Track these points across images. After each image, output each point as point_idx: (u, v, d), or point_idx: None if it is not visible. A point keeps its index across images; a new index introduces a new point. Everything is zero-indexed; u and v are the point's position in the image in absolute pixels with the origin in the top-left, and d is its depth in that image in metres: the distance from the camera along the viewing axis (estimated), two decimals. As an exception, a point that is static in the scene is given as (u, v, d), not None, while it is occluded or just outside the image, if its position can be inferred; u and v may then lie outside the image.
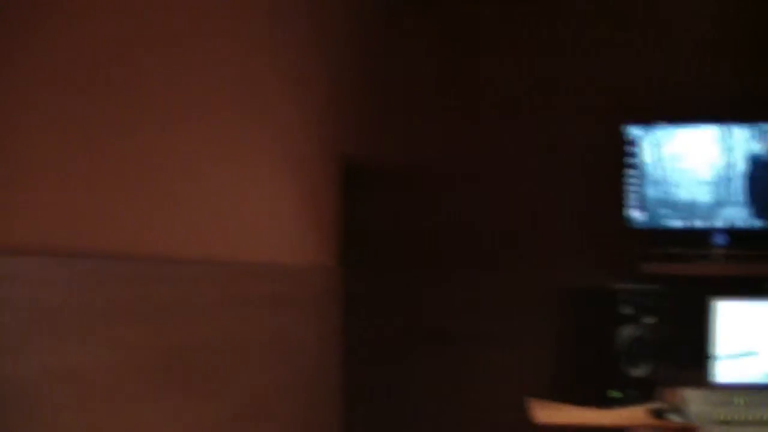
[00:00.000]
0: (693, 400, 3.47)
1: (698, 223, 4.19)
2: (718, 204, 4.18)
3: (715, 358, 3.53)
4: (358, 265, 4.14)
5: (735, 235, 4.18)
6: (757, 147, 4.21)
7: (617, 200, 4.21)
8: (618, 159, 4.21)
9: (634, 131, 4.19)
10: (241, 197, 2.88)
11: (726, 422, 3.39)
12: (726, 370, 3.55)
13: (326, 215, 3.87)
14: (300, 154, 3.54)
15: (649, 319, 3.63)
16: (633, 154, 4.21)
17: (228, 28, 2.76)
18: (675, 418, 3.38)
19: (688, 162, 4.17)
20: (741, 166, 4.21)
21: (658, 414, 3.42)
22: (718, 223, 4.18)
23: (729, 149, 4.21)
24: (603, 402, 3.55)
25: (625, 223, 4.18)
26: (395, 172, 4.32)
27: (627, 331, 3.57)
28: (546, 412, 3.51)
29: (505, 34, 4.37)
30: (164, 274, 2.31)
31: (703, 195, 4.16)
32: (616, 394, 3.55)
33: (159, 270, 2.28)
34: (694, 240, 4.19)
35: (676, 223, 4.17)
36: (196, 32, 2.52)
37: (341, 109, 4.00)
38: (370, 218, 4.27)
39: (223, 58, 2.71)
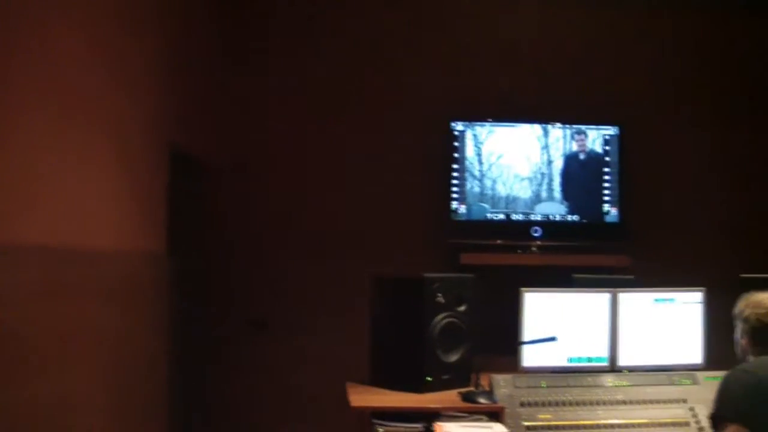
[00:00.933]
0: (501, 383, 3.63)
1: (517, 217, 4.40)
2: (536, 199, 4.41)
3: (522, 344, 3.72)
4: (188, 254, 4.13)
5: (551, 228, 4.41)
6: (572, 146, 4.46)
7: (442, 194, 4.38)
8: (443, 155, 4.38)
9: (458, 127, 4.35)
10: (58, 182, 2.83)
11: (529, 404, 3.59)
12: (532, 355, 3.75)
13: (156, 204, 3.85)
14: (129, 143, 3.51)
15: (462, 308, 3.77)
16: (456, 150, 4.38)
17: (57, 17, 2.72)
18: (483, 401, 3.54)
19: (507, 158, 4.38)
20: (558, 164, 4.45)
21: (467, 397, 3.57)
22: (536, 217, 4.40)
23: (546, 148, 4.44)
24: (418, 386, 3.67)
25: (448, 216, 4.35)
26: (229, 164, 4.34)
27: (441, 319, 3.71)
28: (362, 396, 3.60)
29: (340, 38, 4.45)
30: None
31: (521, 190, 4.37)
32: (430, 378, 3.68)
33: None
34: (513, 232, 4.40)
35: (496, 216, 4.37)
36: (24, 19, 2.48)
37: (176, 101, 3.99)
38: (203, 209, 4.27)
39: (50, 47, 2.67)
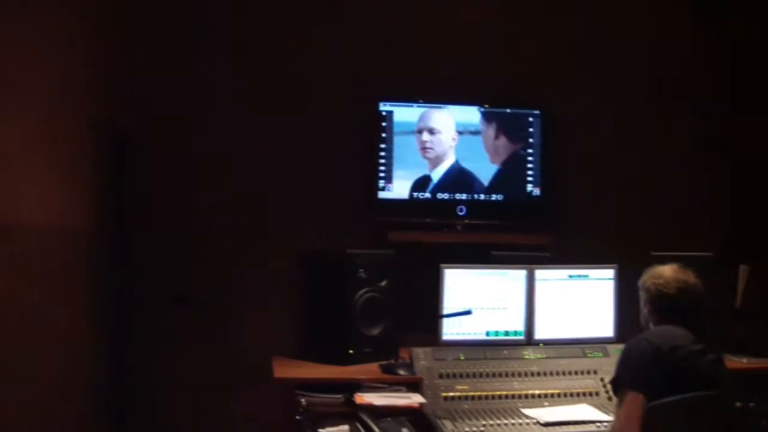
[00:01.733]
0: (420, 356, 3.77)
1: (442, 196, 4.51)
2: (462, 176, 4.52)
3: (440, 317, 3.85)
4: (114, 230, 4.16)
5: (475, 207, 4.53)
6: (496, 128, 4.58)
7: (370, 174, 4.46)
8: (371, 135, 4.46)
9: (385, 108, 4.45)
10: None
11: (448, 376, 3.72)
12: (451, 329, 3.89)
13: (80, 180, 3.88)
14: (52, 119, 3.53)
15: (383, 283, 3.89)
16: (384, 130, 4.47)
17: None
18: (402, 373, 3.67)
19: (432, 138, 4.48)
20: (480, 144, 4.57)
21: (388, 369, 3.70)
22: (461, 197, 4.52)
23: (470, 129, 4.56)
24: (341, 359, 3.79)
25: (376, 195, 4.44)
26: (155, 140, 4.36)
27: (362, 294, 3.82)
28: (286, 369, 3.70)
29: (265, 15, 4.49)
30: None
31: (447, 168, 4.49)
32: (352, 352, 3.79)
33: None
34: (439, 211, 4.51)
35: (422, 195, 4.48)
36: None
37: (97, 75, 4.01)
38: (129, 184, 4.28)
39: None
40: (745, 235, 4.77)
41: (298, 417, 3.36)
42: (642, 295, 3.34)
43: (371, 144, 4.44)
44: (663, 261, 3.45)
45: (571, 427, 3.44)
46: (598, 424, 3.45)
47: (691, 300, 3.21)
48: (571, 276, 4.06)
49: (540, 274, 4.01)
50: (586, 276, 4.08)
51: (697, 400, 2.82)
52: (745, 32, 4.90)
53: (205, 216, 4.39)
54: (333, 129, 4.48)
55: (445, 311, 3.86)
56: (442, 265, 3.90)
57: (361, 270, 3.82)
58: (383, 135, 4.45)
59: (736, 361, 4.10)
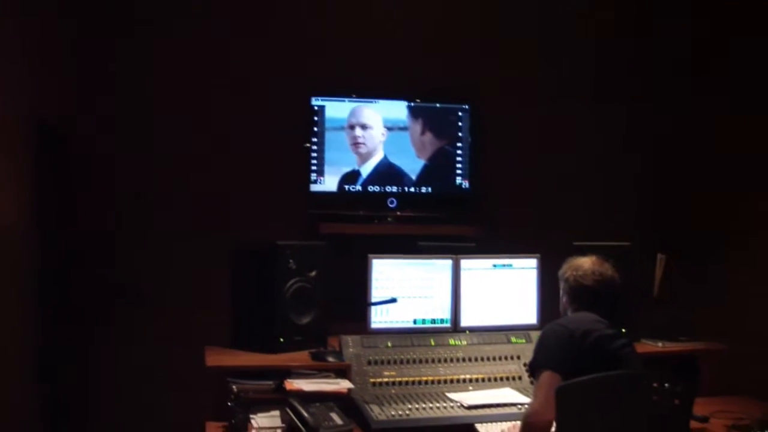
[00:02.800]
0: (349, 344, 3.87)
1: (373, 189, 4.62)
2: (391, 171, 4.63)
3: (367, 306, 3.95)
4: (51, 226, 4.18)
5: (405, 199, 4.65)
6: (427, 122, 4.70)
7: (302, 167, 4.55)
8: (303, 130, 4.54)
9: (317, 103, 4.54)
10: None
11: (376, 362, 3.83)
12: (380, 318, 3.99)
13: (20, 174, 3.89)
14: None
15: (313, 273, 3.98)
16: (316, 125, 4.56)
17: None
18: (331, 359, 3.77)
19: (364, 134, 4.59)
20: (408, 140, 4.68)
21: (317, 356, 3.79)
22: (391, 189, 4.63)
23: (399, 125, 4.67)
24: (272, 348, 3.87)
25: (308, 188, 4.53)
26: (97, 135, 4.40)
27: (292, 284, 3.91)
28: (218, 357, 3.76)
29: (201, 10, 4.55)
30: None
31: (376, 163, 4.59)
32: (282, 340, 3.88)
33: None
34: (370, 203, 4.61)
35: (353, 188, 4.58)
36: None
37: (35, 68, 4.02)
38: (68, 177, 4.32)
39: None
40: (663, 225, 4.96)
41: (229, 404, 3.42)
42: (561, 285, 3.48)
43: (303, 138, 4.52)
44: (583, 251, 3.60)
45: (493, 410, 3.57)
46: (519, 406, 3.58)
47: (608, 290, 3.36)
48: (495, 265, 4.19)
49: (465, 263, 4.12)
50: (510, 265, 4.21)
51: (607, 379, 2.94)
52: (667, 33, 5.09)
53: (138, 210, 4.44)
54: (266, 124, 4.57)
55: (373, 300, 3.96)
56: (370, 256, 4.00)
57: (291, 261, 3.90)
58: (315, 129, 4.54)
59: (653, 345, 4.29)
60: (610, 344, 3.19)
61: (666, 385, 2.98)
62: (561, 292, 3.49)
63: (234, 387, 3.50)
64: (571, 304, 3.41)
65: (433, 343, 3.99)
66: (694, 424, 3.66)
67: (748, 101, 4.65)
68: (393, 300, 3.88)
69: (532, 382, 3.74)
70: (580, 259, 3.47)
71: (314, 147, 4.53)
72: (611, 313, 3.35)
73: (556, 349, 3.15)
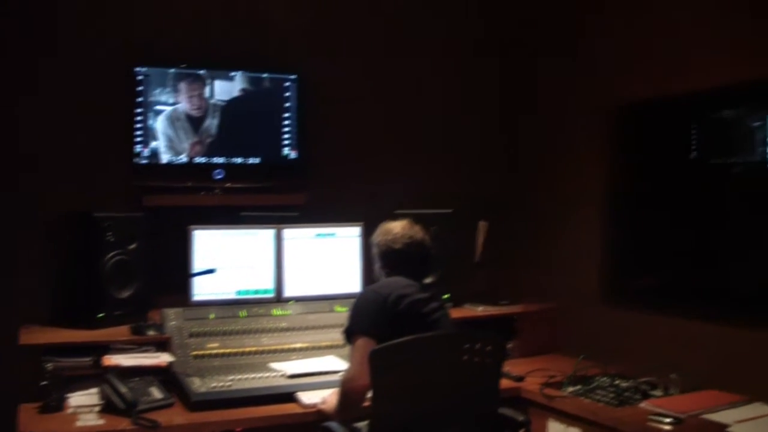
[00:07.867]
0: (171, 316, 3.84)
1: (199, 160, 4.56)
2: (216, 143, 4.58)
3: (192, 279, 3.93)
4: None
5: (233, 170, 4.61)
6: (253, 93, 4.66)
7: (126, 138, 4.43)
8: (129, 99, 4.42)
9: (142, 72, 4.42)
10: None
11: (198, 335, 3.82)
12: (202, 290, 3.97)
13: None
14: None
15: (133, 246, 3.91)
16: (140, 95, 4.45)
17: None
18: (152, 333, 3.73)
19: (190, 103, 4.52)
20: (237, 109, 4.64)
21: (136, 330, 3.74)
22: (218, 160, 4.59)
23: (230, 94, 4.62)
24: (91, 323, 3.79)
25: (132, 160, 4.42)
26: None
27: (111, 257, 3.83)
28: (33, 335, 3.66)
29: None
30: None
31: (202, 133, 4.52)
32: (101, 315, 3.81)
33: None
34: (196, 175, 4.55)
35: (178, 159, 4.51)
36: None
37: None
38: None
39: None
40: (485, 193, 5.12)
41: (44, 383, 3.34)
42: (374, 251, 3.56)
43: (129, 108, 4.41)
44: (404, 218, 3.66)
45: (315, 378, 3.63)
46: (341, 373, 3.64)
47: (418, 253, 3.46)
48: (318, 234, 4.24)
49: (288, 233, 4.16)
50: (333, 234, 4.27)
51: (418, 340, 3.03)
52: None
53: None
54: (90, 93, 4.40)
55: (195, 271, 3.94)
56: (191, 227, 3.97)
57: (109, 234, 3.82)
58: (140, 99, 4.43)
59: (473, 309, 4.45)
60: (423, 307, 3.29)
61: (477, 346, 3.10)
62: (374, 257, 3.56)
63: (49, 365, 3.43)
64: (384, 268, 3.49)
65: (256, 314, 4.00)
66: (510, 383, 3.85)
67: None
68: (212, 271, 3.88)
69: (350, 350, 3.83)
70: (391, 224, 3.55)
71: (139, 117, 4.42)
72: (424, 275, 3.45)
73: (370, 315, 3.22)
